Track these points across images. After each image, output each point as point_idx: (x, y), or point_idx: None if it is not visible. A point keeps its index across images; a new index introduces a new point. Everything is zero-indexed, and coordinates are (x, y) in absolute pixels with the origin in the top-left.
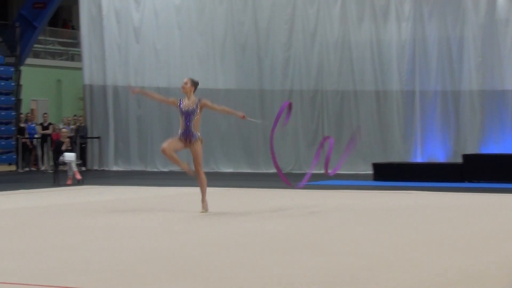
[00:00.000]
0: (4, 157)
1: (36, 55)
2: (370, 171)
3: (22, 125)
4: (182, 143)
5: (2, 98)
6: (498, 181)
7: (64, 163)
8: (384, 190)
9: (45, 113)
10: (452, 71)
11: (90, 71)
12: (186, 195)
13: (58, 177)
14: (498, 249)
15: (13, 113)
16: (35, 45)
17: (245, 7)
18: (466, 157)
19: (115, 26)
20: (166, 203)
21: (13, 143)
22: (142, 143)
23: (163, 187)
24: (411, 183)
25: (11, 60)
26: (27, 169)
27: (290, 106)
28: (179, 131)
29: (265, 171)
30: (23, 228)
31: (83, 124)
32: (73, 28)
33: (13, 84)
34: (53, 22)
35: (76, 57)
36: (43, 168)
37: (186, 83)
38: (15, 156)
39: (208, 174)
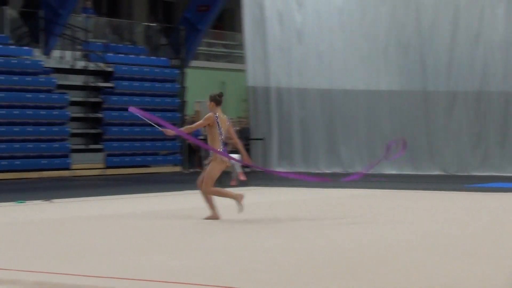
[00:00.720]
0: (169, 158)
1: (200, 57)
2: None
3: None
4: (224, 165)
5: (168, 100)
6: None
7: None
8: None
9: None
10: None
11: (253, 73)
12: (351, 198)
13: (222, 178)
14: None
15: (178, 115)
16: (199, 48)
17: (407, 8)
18: None
19: (278, 28)
20: (331, 204)
21: (178, 144)
22: (305, 144)
23: (327, 189)
24: None
25: (176, 62)
26: (192, 170)
27: (404, 144)
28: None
29: (428, 173)
30: (188, 228)
31: (246, 126)
32: (236, 30)
33: (178, 86)
34: (217, 25)
35: (239, 59)
36: None
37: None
38: (180, 157)
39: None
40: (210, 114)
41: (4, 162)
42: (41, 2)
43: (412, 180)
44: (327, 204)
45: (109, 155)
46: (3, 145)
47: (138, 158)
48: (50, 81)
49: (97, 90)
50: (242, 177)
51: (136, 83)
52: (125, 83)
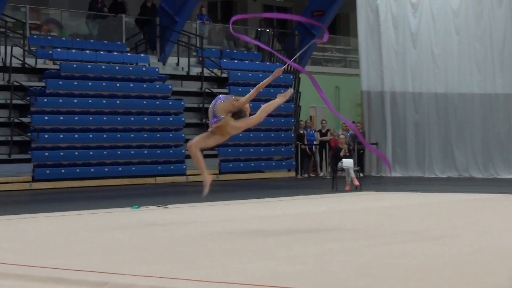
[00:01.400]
0: (283, 163)
1: (315, 62)
2: None
3: (301, 131)
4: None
5: (282, 105)
6: None
7: (342, 169)
8: None
9: (323, 120)
10: None
11: (367, 78)
12: (464, 202)
13: (336, 183)
14: None
15: (293, 120)
16: (314, 53)
17: None
18: None
19: (392, 32)
20: (443, 209)
21: (293, 149)
22: (419, 149)
23: (440, 193)
24: None
25: (291, 68)
26: (306, 175)
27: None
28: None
29: None
30: (300, 233)
31: (361, 130)
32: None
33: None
34: (331, 30)
35: (353, 63)
36: (321, 174)
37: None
38: (294, 163)
39: (486, 180)
40: None
41: (120, 168)
42: (157, 9)
43: None
44: (449, 209)
45: (223, 161)
46: (119, 151)
47: (252, 164)
48: (166, 87)
49: (212, 96)
50: (356, 182)
51: (250, 89)
52: (240, 88)
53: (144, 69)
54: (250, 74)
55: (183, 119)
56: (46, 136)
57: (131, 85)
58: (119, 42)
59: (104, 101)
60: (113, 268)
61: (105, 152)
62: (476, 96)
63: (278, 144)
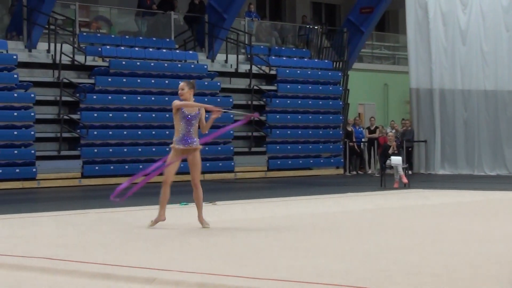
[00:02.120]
0: (332, 160)
1: (363, 59)
2: None
3: (349, 129)
4: (180, 155)
5: (330, 103)
6: None
7: (391, 167)
8: None
9: (372, 117)
10: None
11: (416, 75)
12: None
13: (385, 180)
14: None
15: (341, 117)
16: (362, 50)
17: None
18: None
19: (441, 29)
20: (492, 207)
21: (341, 147)
22: (469, 147)
23: (489, 191)
24: None
25: (339, 65)
26: (354, 172)
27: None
28: (175, 138)
29: None
30: (349, 230)
31: (409, 128)
32: (399, 32)
33: (341, 88)
34: (380, 27)
35: (402, 61)
36: (370, 171)
37: (182, 89)
38: (342, 160)
39: None
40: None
41: None
42: (206, 6)
43: None
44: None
45: (271, 158)
46: (167, 148)
47: (300, 161)
48: (214, 84)
49: (260, 93)
50: (405, 180)
51: (299, 86)
52: (288, 86)
53: (192, 66)
54: (298, 71)
55: (231, 116)
56: (95, 132)
57: (180, 82)
58: (168, 39)
59: (153, 98)
60: (161, 264)
61: (153, 149)
62: None
63: (327, 141)
